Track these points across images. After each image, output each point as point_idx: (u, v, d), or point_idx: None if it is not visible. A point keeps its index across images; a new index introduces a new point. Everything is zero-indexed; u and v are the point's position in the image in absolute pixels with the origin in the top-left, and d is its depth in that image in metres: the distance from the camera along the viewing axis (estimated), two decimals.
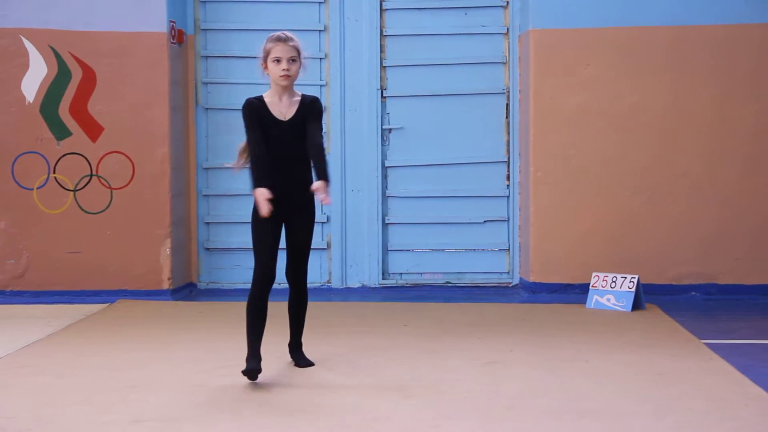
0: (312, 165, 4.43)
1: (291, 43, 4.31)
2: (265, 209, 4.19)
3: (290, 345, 4.71)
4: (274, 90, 4.37)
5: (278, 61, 4.26)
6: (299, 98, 4.41)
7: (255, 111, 4.33)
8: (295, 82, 4.48)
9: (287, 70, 4.26)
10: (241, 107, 4.60)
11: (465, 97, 8.13)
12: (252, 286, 4.34)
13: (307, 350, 4.79)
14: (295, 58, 4.31)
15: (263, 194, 4.20)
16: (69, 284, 7.64)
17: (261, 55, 4.39)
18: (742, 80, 7.65)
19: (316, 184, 4.32)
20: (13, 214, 7.63)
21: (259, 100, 4.38)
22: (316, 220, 4.62)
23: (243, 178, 7.04)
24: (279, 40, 4.29)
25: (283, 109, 4.35)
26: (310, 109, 4.40)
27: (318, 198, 4.40)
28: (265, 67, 4.34)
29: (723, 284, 7.56)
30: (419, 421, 4.15)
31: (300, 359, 4.72)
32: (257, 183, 4.27)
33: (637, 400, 4.52)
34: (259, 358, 4.26)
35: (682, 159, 7.62)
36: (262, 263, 4.31)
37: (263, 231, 4.32)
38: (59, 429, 4.07)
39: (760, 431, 3.99)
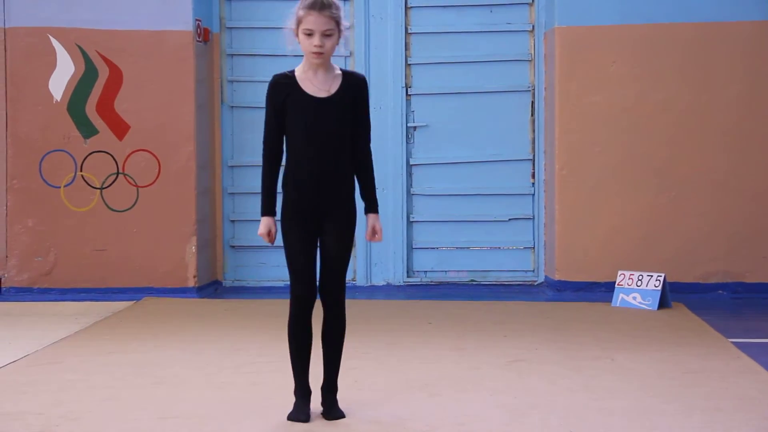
0: (359, 184, 3.80)
1: (327, 13, 3.49)
2: (269, 240, 3.68)
3: (323, 388, 3.88)
4: (307, 63, 3.61)
5: (310, 34, 3.48)
6: (340, 72, 3.65)
7: (280, 92, 3.59)
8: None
9: (320, 46, 3.48)
10: None
11: (490, 94, 8.14)
12: (290, 309, 3.65)
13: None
14: (332, 32, 3.51)
15: (268, 226, 3.65)
16: (96, 282, 7.72)
17: (292, 20, 3.60)
18: None
19: (372, 229, 3.72)
20: (40, 212, 7.69)
21: (289, 77, 3.63)
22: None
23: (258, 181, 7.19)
24: (312, 7, 3.48)
25: (320, 84, 3.60)
26: (359, 90, 3.68)
27: (368, 238, 3.79)
28: (297, 35, 3.57)
29: (750, 282, 7.54)
30: (444, 419, 4.14)
31: (331, 409, 3.87)
32: (265, 208, 3.68)
33: (663, 399, 4.51)
34: (307, 396, 3.70)
35: (708, 157, 7.63)
36: (297, 282, 3.63)
37: (296, 243, 3.62)
38: (86, 425, 4.10)
39: None
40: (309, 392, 3.69)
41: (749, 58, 7.64)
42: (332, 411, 3.86)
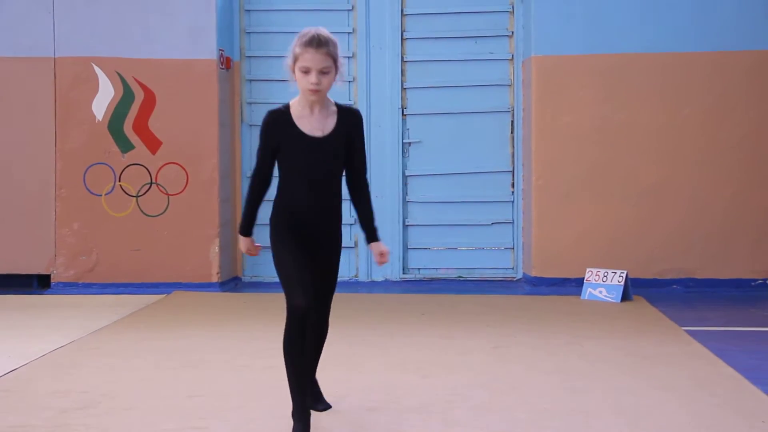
0: (358, 215, 3.38)
1: (324, 50, 3.07)
2: (252, 253, 3.34)
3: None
4: (303, 100, 3.17)
5: (307, 71, 3.07)
6: (335, 109, 3.23)
7: (275, 131, 3.18)
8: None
9: (317, 84, 3.07)
10: None
11: (475, 115, 8.15)
12: (288, 323, 3.09)
13: (338, 335, 4.00)
14: (328, 69, 3.09)
15: (246, 245, 3.32)
16: (132, 278, 7.75)
17: (289, 56, 3.17)
18: (717, 101, 7.64)
19: (379, 253, 3.28)
20: (84, 217, 7.76)
21: (284, 113, 3.20)
22: (343, 245, 3.43)
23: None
24: (309, 44, 3.06)
25: (315, 123, 3.17)
26: (354, 126, 3.26)
27: (378, 262, 3.33)
28: (293, 71, 3.13)
29: (701, 278, 7.63)
30: (436, 396, 4.17)
31: (317, 400, 3.61)
32: (244, 229, 3.32)
33: (626, 379, 4.55)
34: (307, 418, 3.17)
35: (665, 169, 7.63)
36: (295, 297, 3.09)
37: (289, 260, 3.18)
38: (124, 402, 4.14)
39: (734, 406, 4.04)
40: (308, 415, 3.18)
41: (701, 84, 7.64)
42: (319, 402, 3.61)
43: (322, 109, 3.17)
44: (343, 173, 3.30)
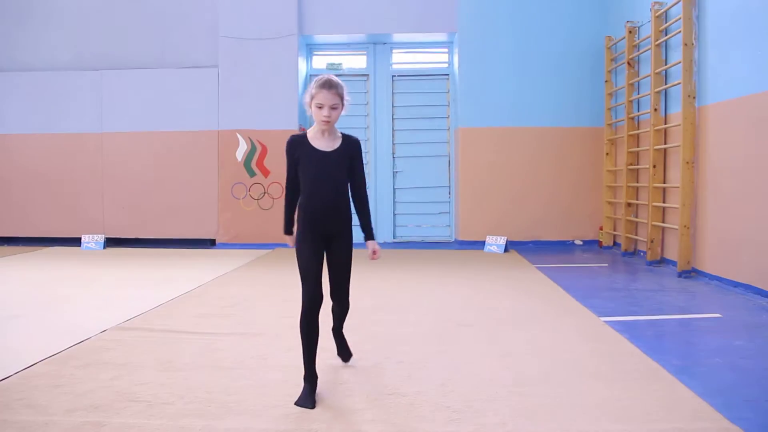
0: (359, 219, 3.32)
1: (334, 91, 3.10)
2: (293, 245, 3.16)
3: (333, 329, 3.60)
4: (317, 128, 3.16)
5: (321, 107, 3.09)
6: (340, 135, 3.22)
7: (294, 147, 3.17)
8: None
9: (328, 116, 3.08)
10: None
11: (430, 158, 9.67)
12: (302, 307, 3.02)
13: (356, 270, 3.51)
14: (337, 105, 3.10)
15: (291, 242, 3.26)
16: (255, 241, 9.09)
17: (307, 95, 3.15)
18: (554, 150, 9.03)
19: (372, 251, 3.28)
20: (231, 211, 9.17)
21: (302, 136, 3.19)
22: (354, 241, 3.29)
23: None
24: (323, 86, 3.10)
25: (325, 143, 3.18)
26: (355, 148, 3.23)
27: (371, 258, 3.28)
28: (310, 107, 3.12)
29: (545, 240, 9.06)
30: (404, 300, 5.23)
31: (343, 349, 3.63)
32: (286, 229, 3.26)
33: (501, 290, 5.57)
34: (314, 383, 3.09)
35: (535, 175, 8.97)
36: (308, 286, 3.04)
37: (307, 256, 3.09)
38: (260, 302, 5.08)
39: (562, 306, 4.88)
40: (316, 378, 3.08)
41: (552, 144, 8.90)
42: (344, 350, 3.60)
43: (330, 134, 3.15)
44: (349, 185, 3.20)
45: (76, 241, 9.10)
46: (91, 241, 8.91)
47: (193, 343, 3.88)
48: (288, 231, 3.20)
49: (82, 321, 4.45)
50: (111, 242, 9.14)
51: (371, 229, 3.25)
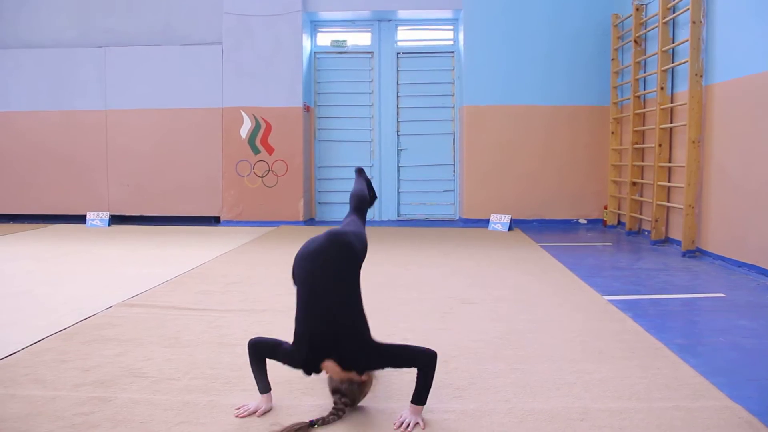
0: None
1: None
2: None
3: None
4: None
5: None
6: None
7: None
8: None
9: None
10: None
11: (435, 135, 9.70)
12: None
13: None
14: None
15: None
16: (260, 218, 9.18)
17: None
18: (559, 129, 9.02)
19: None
20: (236, 188, 9.24)
21: None
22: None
23: (331, 174, 8.30)
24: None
25: None
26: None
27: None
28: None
29: (548, 219, 9.13)
30: (408, 277, 5.26)
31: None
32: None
33: (507, 264, 5.78)
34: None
35: (545, 160, 9.00)
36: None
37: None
38: (262, 279, 5.16)
39: (566, 285, 4.93)
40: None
41: (550, 121, 8.93)
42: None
43: None
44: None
45: (81, 219, 9.17)
46: (96, 218, 9.00)
47: (197, 320, 3.92)
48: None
49: (88, 297, 4.50)
50: (116, 219, 9.24)
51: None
